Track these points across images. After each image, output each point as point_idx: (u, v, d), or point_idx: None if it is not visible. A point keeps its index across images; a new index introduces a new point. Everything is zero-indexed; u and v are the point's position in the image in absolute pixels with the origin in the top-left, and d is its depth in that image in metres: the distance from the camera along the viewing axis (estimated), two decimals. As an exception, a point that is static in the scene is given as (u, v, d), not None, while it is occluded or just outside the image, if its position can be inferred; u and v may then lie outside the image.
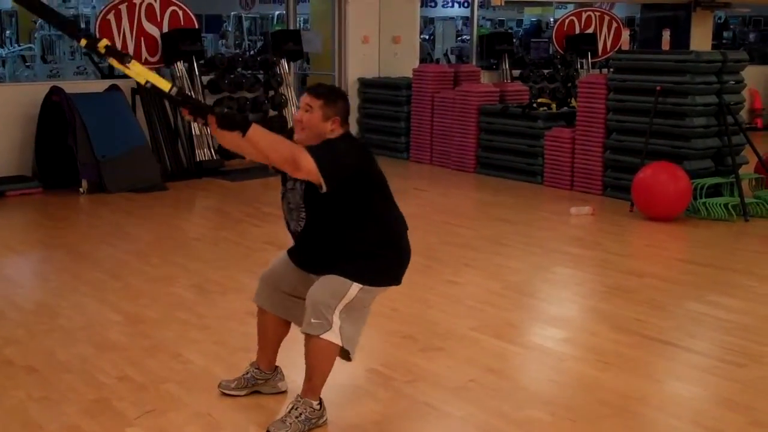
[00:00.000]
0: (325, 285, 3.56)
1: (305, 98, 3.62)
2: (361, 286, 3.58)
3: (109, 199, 8.67)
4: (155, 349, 4.65)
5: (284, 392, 4.05)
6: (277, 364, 4.05)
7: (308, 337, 3.57)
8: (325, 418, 3.72)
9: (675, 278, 6.30)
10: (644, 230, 7.72)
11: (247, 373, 4.02)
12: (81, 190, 8.89)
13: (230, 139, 3.40)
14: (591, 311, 5.63)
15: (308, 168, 3.36)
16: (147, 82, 3.31)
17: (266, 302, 3.90)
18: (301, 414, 3.62)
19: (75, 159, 8.85)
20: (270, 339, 3.97)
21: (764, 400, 4.14)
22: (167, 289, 5.79)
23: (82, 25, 16.28)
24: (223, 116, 3.32)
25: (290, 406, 3.67)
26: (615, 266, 6.49)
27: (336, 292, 3.55)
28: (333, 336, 3.54)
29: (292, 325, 3.90)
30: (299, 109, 3.64)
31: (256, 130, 3.33)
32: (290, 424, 3.62)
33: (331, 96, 3.63)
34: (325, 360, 3.61)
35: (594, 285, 6.17)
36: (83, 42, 3.38)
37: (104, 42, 3.31)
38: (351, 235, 3.61)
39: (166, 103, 10.00)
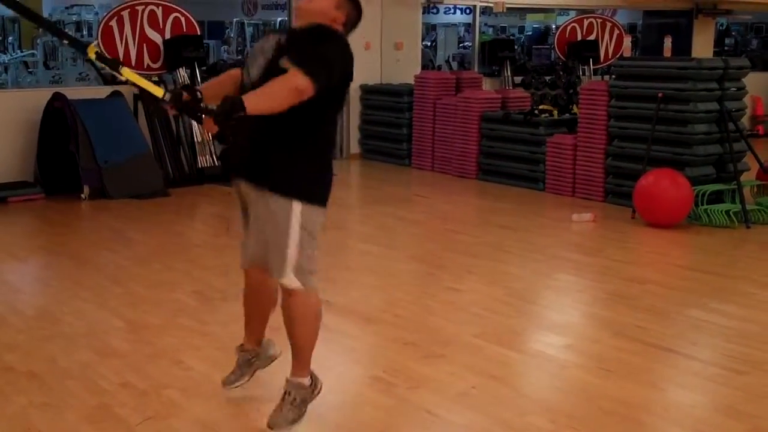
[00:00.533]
0: (271, 219, 3.48)
1: None
2: (301, 204, 3.46)
3: (111, 206, 8.68)
4: (157, 355, 4.65)
5: (281, 353, 4.04)
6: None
7: (283, 301, 3.56)
8: (319, 388, 3.73)
9: (676, 285, 6.30)
10: (646, 237, 7.71)
11: (238, 359, 4.02)
12: (83, 196, 8.89)
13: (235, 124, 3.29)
14: (592, 318, 5.63)
15: (308, 85, 3.25)
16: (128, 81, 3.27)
17: (243, 259, 3.82)
18: (295, 398, 3.62)
19: (77, 165, 8.86)
20: (253, 311, 3.92)
21: (766, 407, 4.13)
22: (169, 295, 5.79)
23: (84, 32, 16.33)
24: (220, 114, 3.19)
25: (283, 393, 3.66)
26: (617, 273, 6.49)
27: (280, 225, 3.46)
28: (290, 280, 3.49)
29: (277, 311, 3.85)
30: None
31: (251, 103, 3.19)
32: (287, 411, 3.62)
33: None
34: (304, 321, 3.59)
35: (595, 292, 6.17)
36: (66, 42, 3.37)
37: (93, 49, 3.30)
38: (300, 132, 3.45)
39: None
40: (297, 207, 3.47)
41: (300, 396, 3.64)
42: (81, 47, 3.42)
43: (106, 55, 3.47)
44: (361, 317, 5.38)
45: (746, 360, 4.69)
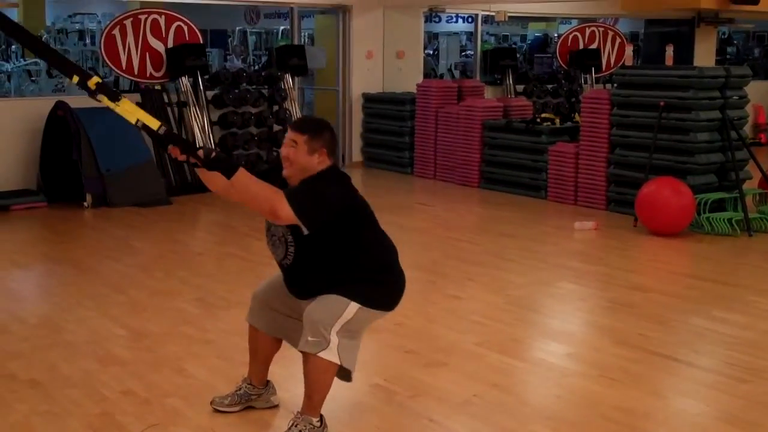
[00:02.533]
0: (324, 304, 3.55)
1: (289, 134, 3.60)
2: (359, 305, 3.56)
3: (113, 214, 8.69)
4: (159, 363, 4.65)
5: (277, 406, 4.06)
6: (269, 378, 4.05)
7: (306, 356, 3.56)
8: None
9: (679, 293, 6.29)
10: (648, 245, 7.71)
11: (240, 389, 4.02)
12: (85, 204, 8.91)
13: (213, 180, 3.41)
14: (595, 326, 5.62)
15: (287, 216, 3.37)
16: (138, 120, 3.30)
17: (259, 321, 3.90)
18: (301, 431, 3.62)
19: (79, 173, 8.88)
20: (261, 355, 3.96)
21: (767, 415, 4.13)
22: (171, 303, 5.79)
23: (87, 41, 16.38)
24: (211, 157, 3.31)
25: (290, 423, 3.65)
26: (619, 281, 6.49)
27: (335, 311, 3.53)
28: (331, 355, 3.52)
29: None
30: (284, 145, 3.61)
31: (241, 176, 3.32)
32: None
33: (316, 129, 3.61)
34: (324, 378, 3.59)
35: (598, 300, 6.16)
36: (75, 79, 3.36)
37: (95, 79, 3.31)
38: (343, 265, 3.60)
39: (170, 115, 10.04)
40: (354, 306, 3.57)
41: (306, 430, 3.63)
42: (84, 80, 3.41)
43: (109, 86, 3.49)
44: (363, 325, 5.37)
45: (748, 368, 4.68)
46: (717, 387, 4.45)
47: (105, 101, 3.30)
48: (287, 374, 4.23)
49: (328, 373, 3.58)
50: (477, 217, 9.49)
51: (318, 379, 3.58)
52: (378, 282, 3.67)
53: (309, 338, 3.52)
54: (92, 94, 3.28)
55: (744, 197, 8.16)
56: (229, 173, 3.31)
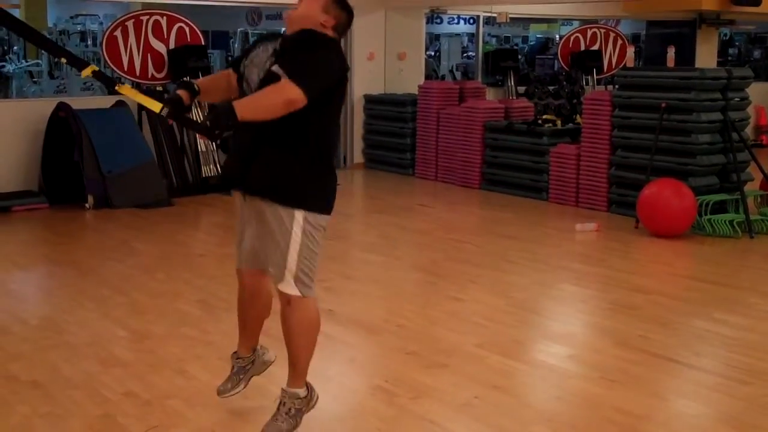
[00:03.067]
0: (271, 223, 3.48)
1: None
2: (303, 213, 3.47)
3: (115, 215, 8.70)
4: (160, 364, 4.65)
5: (275, 360, 4.06)
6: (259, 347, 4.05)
7: (284, 312, 3.55)
8: (315, 400, 3.72)
9: (680, 295, 6.29)
10: (649, 247, 7.71)
11: (233, 368, 4.01)
12: (87, 205, 8.91)
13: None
14: (596, 328, 5.62)
15: (300, 97, 3.28)
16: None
17: (241, 260, 3.79)
18: (290, 409, 3.61)
19: (81, 174, 8.89)
20: (248, 317, 3.89)
21: (769, 418, 4.13)
22: (173, 304, 5.80)
23: (89, 42, 16.39)
24: (211, 127, 3.26)
25: (278, 403, 3.66)
26: (620, 283, 6.49)
27: (281, 230, 3.46)
28: (290, 287, 3.49)
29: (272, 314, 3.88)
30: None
31: (242, 110, 3.25)
32: (282, 421, 3.62)
33: (341, 1, 3.57)
34: (302, 332, 3.57)
35: (599, 302, 6.16)
36: (63, 60, 3.40)
37: (91, 67, 3.34)
38: (309, 133, 3.45)
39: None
40: (299, 215, 3.48)
41: (295, 406, 3.63)
42: (80, 64, 3.45)
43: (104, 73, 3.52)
44: (364, 327, 5.38)
45: (749, 370, 4.68)
46: (718, 389, 4.45)
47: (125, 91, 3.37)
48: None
49: (305, 321, 3.57)
50: (478, 218, 9.49)
51: (296, 334, 3.57)
52: (319, 179, 3.55)
53: (272, 269, 3.53)
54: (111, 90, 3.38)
55: (745, 199, 8.16)
56: (234, 119, 3.23)
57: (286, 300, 3.56)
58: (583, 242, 7.95)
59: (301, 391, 3.65)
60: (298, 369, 3.63)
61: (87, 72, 3.38)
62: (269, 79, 3.40)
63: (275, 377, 4.13)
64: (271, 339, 4.15)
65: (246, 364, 4.01)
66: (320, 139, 3.53)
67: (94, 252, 7.44)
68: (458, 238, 8.06)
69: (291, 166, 3.48)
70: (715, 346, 5.17)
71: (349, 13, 3.60)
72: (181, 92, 3.46)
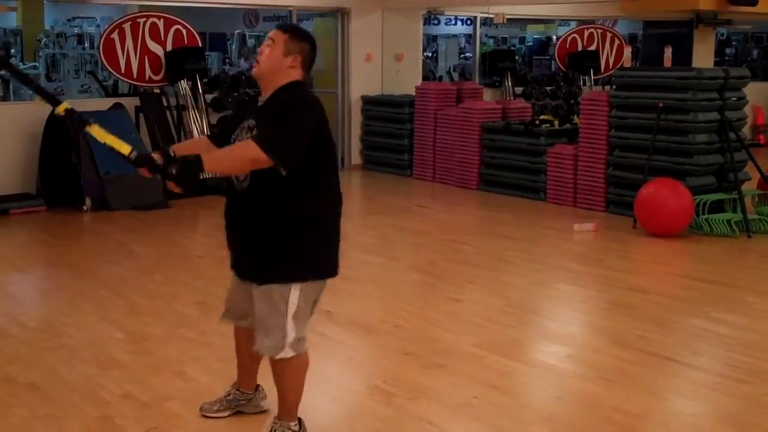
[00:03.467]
0: (267, 304, 3.47)
1: (271, 33, 3.52)
2: (299, 286, 3.47)
3: (112, 217, 8.70)
4: (158, 366, 4.65)
5: (266, 411, 4.03)
6: (259, 383, 4.04)
7: (271, 361, 3.55)
8: None
9: (678, 294, 6.30)
10: (647, 247, 7.72)
11: (229, 394, 4.01)
12: (84, 207, 8.91)
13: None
14: (594, 328, 5.63)
15: (266, 161, 3.27)
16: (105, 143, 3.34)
17: (234, 318, 3.81)
18: None
19: (79, 177, 8.88)
20: (246, 358, 3.90)
21: (766, 416, 4.13)
22: (171, 306, 5.79)
23: (86, 44, 16.37)
24: (179, 176, 3.27)
25: (269, 429, 3.65)
26: (618, 283, 6.49)
27: (278, 309, 3.45)
28: (288, 353, 3.49)
29: None
30: (263, 44, 3.53)
31: (209, 164, 3.29)
32: None
33: (299, 34, 3.51)
34: (294, 378, 3.58)
35: (597, 301, 6.17)
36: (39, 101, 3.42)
37: (64, 105, 3.35)
38: (292, 199, 3.42)
39: (169, 118, 10.05)
40: (296, 290, 3.47)
41: None
42: (54, 102, 3.42)
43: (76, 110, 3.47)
44: (362, 327, 5.38)
45: (747, 369, 4.69)
46: (716, 388, 4.45)
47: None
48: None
49: (297, 372, 3.57)
50: (476, 219, 9.49)
51: (288, 381, 3.57)
52: (317, 236, 3.52)
53: (266, 342, 3.50)
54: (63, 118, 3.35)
55: (743, 198, 8.17)
56: (200, 171, 3.27)
57: (279, 359, 3.54)
58: (581, 242, 7.95)
59: (293, 424, 3.64)
60: (287, 405, 3.63)
61: (60, 110, 3.37)
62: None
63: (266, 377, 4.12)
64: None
65: (242, 399, 4.01)
66: (318, 202, 3.51)
67: (92, 254, 7.44)
68: (456, 238, 8.06)
69: (286, 240, 3.45)
70: (713, 345, 5.17)
71: (311, 42, 3.55)
72: (154, 154, 3.44)
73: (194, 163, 3.29)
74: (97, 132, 3.35)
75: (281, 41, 3.46)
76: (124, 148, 3.32)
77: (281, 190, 3.40)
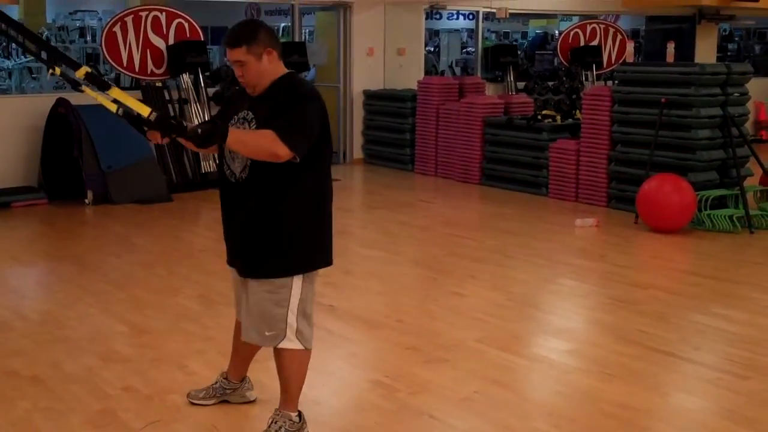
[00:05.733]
0: (267, 294, 3.48)
1: (229, 54, 3.47)
2: (302, 276, 3.50)
3: (114, 211, 8.70)
4: (160, 360, 4.66)
5: (253, 401, 4.06)
6: (247, 374, 4.06)
7: (275, 350, 3.55)
8: (305, 431, 3.70)
9: (680, 290, 6.30)
10: (649, 242, 7.72)
11: (216, 383, 4.04)
12: (86, 201, 8.92)
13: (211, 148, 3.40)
14: (595, 323, 5.63)
15: (287, 155, 3.30)
16: (119, 108, 3.30)
17: (238, 311, 3.83)
18: (280, 428, 3.60)
19: (81, 170, 8.89)
20: (242, 350, 3.93)
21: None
22: (172, 300, 5.80)
23: (89, 37, 16.37)
24: (204, 135, 3.26)
25: (270, 421, 3.65)
26: (619, 278, 6.49)
27: (279, 300, 3.47)
28: (291, 343, 3.50)
29: None
30: (234, 69, 3.51)
31: (232, 137, 3.28)
32: None
33: (249, 36, 3.45)
34: (297, 369, 3.59)
35: (598, 297, 6.17)
36: (57, 71, 3.38)
37: (84, 69, 3.33)
38: (292, 188, 3.44)
39: (171, 112, 10.05)
40: (298, 280, 3.49)
41: (285, 426, 3.61)
42: (74, 65, 3.43)
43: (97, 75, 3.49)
44: (364, 322, 5.39)
45: (749, 365, 4.69)
46: (717, 383, 4.45)
47: (89, 92, 3.35)
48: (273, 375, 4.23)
49: (299, 363, 3.58)
50: (478, 214, 9.49)
51: (290, 371, 3.58)
52: (318, 226, 3.55)
53: (266, 333, 3.50)
54: (76, 85, 3.32)
55: (745, 194, 8.16)
56: (222, 140, 3.27)
57: (282, 349, 3.54)
58: (583, 237, 7.95)
59: (294, 415, 3.64)
60: (289, 394, 3.63)
61: (80, 74, 3.37)
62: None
63: (275, 372, 4.13)
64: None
65: (229, 388, 4.03)
66: (312, 193, 3.52)
67: (94, 248, 7.44)
68: (458, 233, 8.06)
69: (282, 234, 3.46)
70: (714, 340, 5.17)
71: (263, 27, 3.51)
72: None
73: (222, 127, 3.30)
74: (117, 93, 3.35)
75: (244, 54, 3.42)
76: (144, 110, 3.29)
77: (282, 179, 3.41)
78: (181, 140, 3.31)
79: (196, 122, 10.11)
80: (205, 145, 3.28)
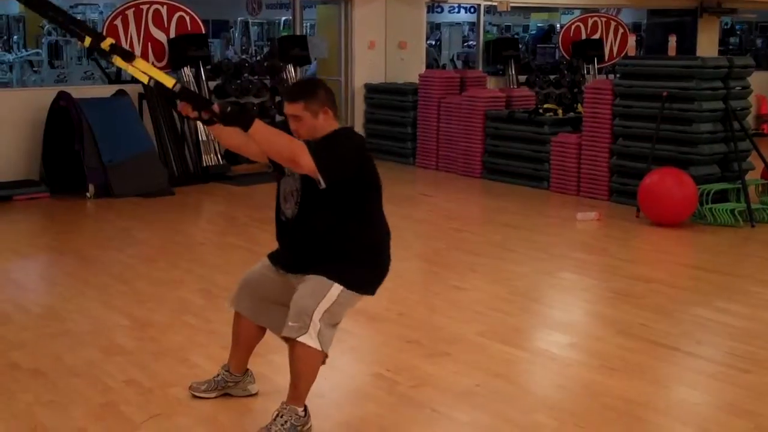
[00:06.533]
0: (307, 287, 3.56)
1: (287, 108, 3.60)
2: (342, 288, 3.56)
3: (115, 204, 8.70)
4: (162, 353, 4.66)
5: (255, 395, 4.06)
6: (249, 367, 4.06)
7: (292, 345, 3.56)
8: (309, 425, 3.69)
9: (681, 284, 6.30)
10: (650, 236, 7.71)
11: (218, 375, 4.04)
12: (88, 194, 8.91)
13: (229, 135, 3.46)
14: (597, 316, 5.63)
15: (308, 165, 3.37)
16: (150, 79, 3.35)
17: (245, 309, 3.88)
18: (286, 422, 3.60)
19: (82, 164, 8.88)
20: (243, 343, 3.96)
21: (770, 405, 4.14)
22: (174, 293, 5.80)
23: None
24: (228, 111, 3.30)
25: (275, 414, 3.65)
26: (621, 272, 6.49)
27: (316, 293, 3.53)
28: (311, 340, 3.51)
29: (268, 330, 3.91)
30: (290, 122, 3.61)
31: (258, 126, 3.33)
32: (276, 430, 3.61)
33: (309, 92, 3.58)
34: (310, 366, 3.59)
35: (600, 290, 6.17)
36: (87, 41, 3.40)
37: (109, 41, 3.35)
38: (341, 231, 3.59)
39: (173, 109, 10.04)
40: (337, 288, 3.56)
41: (291, 420, 3.61)
42: (97, 37, 3.45)
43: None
44: (365, 315, 5.38)
45: (751, 358, 4.69)
46: (719, 377, 4.46)
47: (119, 62, 3.39)
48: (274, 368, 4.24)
49: (314, 361, 3.59)
50: (479, 207, 9.49)
51: (304, 367, 3.58)
52: (368, 262, 3.68)
53: (290, 323, 3.52)
54: (105, 55, 3.37)
55: (747, 188, 8.16)
56: (247, 125, 3.31)
57: (301, 344, 3.56)
58: (584, 231, 7.95)
59: (300, 410, 3.65)
60: (298, 390, 3.64)
61: (105, 45, 3.38)
62: (308, 204, 3.59)
63: (278, 366, 4.14)
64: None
65: (231, 381, 4.03)
66: (369, 227, 3.69)
67: (95, 241, 7.44)
68: (459, 227, 8.06)
69: (337, 257, 3.60)
70: (715, 334, 5.18)
71: (322, 87, 3.65)
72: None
73: (251, 111, 3.36)
74: (142, 65, 3.39)
75: (301, 110, 3.54)
76: (168, 81, 3.35)
77: (333, 219, 3.56)
78: (206, 115, 3.36)
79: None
80: (226, 122, 3.32)
